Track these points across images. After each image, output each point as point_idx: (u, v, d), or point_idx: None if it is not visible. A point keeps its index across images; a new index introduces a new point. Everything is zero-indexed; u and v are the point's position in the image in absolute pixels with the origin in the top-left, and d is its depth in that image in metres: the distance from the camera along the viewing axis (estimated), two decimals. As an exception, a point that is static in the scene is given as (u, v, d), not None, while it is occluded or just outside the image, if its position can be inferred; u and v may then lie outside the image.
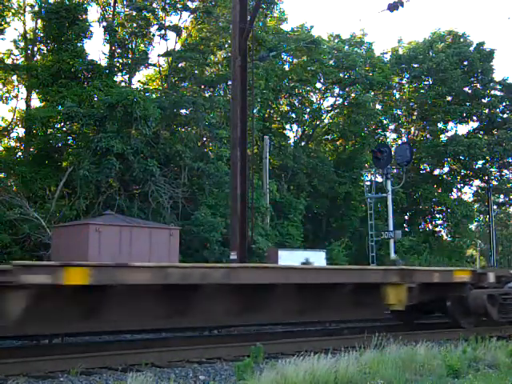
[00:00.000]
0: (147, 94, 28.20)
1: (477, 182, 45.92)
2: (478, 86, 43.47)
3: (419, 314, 13.57)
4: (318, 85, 39.33)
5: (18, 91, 29.87)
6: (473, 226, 47.66)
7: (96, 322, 9.75)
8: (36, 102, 28.65)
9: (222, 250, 25.13)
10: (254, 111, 29.27)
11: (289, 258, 24.20)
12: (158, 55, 32.43)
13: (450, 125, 44.27)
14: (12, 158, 27.62)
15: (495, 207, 47.28)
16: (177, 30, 30.68)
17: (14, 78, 29.47)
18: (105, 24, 29.05)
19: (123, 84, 29.72)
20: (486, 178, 44.39)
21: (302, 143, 39.65)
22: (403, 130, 45.65)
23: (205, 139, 30.44)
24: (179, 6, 30.54)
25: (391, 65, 41.88)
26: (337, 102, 40.11)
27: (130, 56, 29.98)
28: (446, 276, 12.22)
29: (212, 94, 32.60)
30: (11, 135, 29.38)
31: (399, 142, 43.78)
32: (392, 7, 20.00)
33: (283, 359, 8.09)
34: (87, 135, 25.62)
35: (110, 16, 30.11)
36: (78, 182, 23.96)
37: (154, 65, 32.07)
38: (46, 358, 8.30)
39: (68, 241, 18.66)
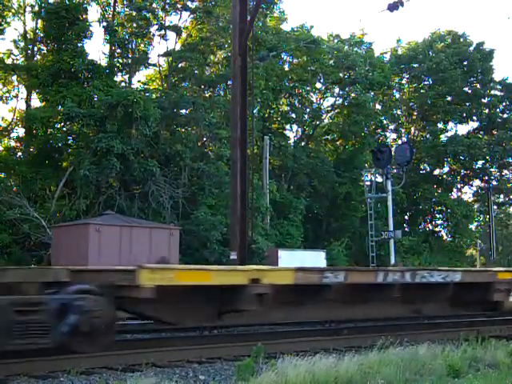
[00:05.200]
0: (147, 94, 28.21)
1: (477, 182, 46.01)
2: (478, 86, 43.51)
3: None
4: (318, 85, 39.39)
5: (18, 91, 29.96)
6: (473, 226, 47.65)
7: None
8: (36, 102, 28.73)
9: (221, 249, 25.14)
10: (254, 111, 29.28)
11: (289, 258, 24.22)
12: (158, 55, 32.52)
13: (450, 125, 44.40)
14: (12, 158, 27.65)
15: (495, 207, 47.25)
16: (177, 29, 30.70)
17: (14, 78, 29.51)
18: (105, 24, 29.06)
19: (123, 84, 29.74)
20: (486, 178, 44.41)
21: (302, 143, 39.65)
22: (403, 130, 45.67)
23: (205, 139, 30.45)
24: (179, 6, 30.55)
25: (391, 65, 41.90)
26: (337, 102, 40.13)
27: (130, 56, 29.99)
28: None
29: (212, 94, 32.61)
30: (11, 135, 29.45)
31: (399, 142, 43.79)
32: (392, 7, 19.98)
33: (283, 359, 8.08)
34: (87, 135, 25.63)
35: (110, 16, 30.11)
36: (78, 182, 23.97)
37: (154, 65, 32.13)
38: (46, 358, 8.29)
39: (68, 241, 18.67)
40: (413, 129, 45.10)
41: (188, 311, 9.98)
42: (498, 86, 43.78)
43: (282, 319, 11.90)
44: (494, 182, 44.92)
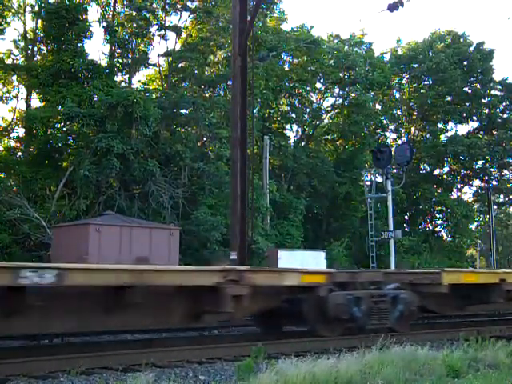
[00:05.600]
0: (147, 94, 28.20)
1: (477, 182, 45.97)
2: (478, 86, 43.49)
3: None
4: (318, 85, 39.36)
5: (18, 91, 29.95)
6: (473, 226, 47.62)
7: None
8: (36, 102, 28.71)
9: (221, 249, 25.13)
10: (254, 111, 29.26)
11: (289, 258, 24.17)
12: (158, 55, 32.50)
13: (450, 125, 44.36)
14: (12, 158, 27.63)
15: (495, 207, 47.23)
16: (177, 30, 30.69)
17: (14, 78, 29.50)
18: (105, 24, 29.06)
19: (123, 84, 29.73)
20: (486, 178, 44.39)
21: (302, 143, 39.63)
22: (403, 130, 45.65)
23: (205, 139, 30.44)
24: (179, 6, 30.54)
25: (391, 65, 41.88)
26: (337, 102, 40.10)
27: (130, 56, 29.98)
28: None
29: (212, 94, 32.60)
30: (11, 135, 29.43)
31: (399, 141, 43.76)
32: (392, 7, 19.96)
33: (283, 359, 8.08)
34: (87, 135, 25.62)
35: (110, 16, 30.11)
36: (78, 182, 23.96)
37: (154, 65, 32.12)
38: (45, 358, 8.29)
39: (68, 241, 18.67)
40: (413, 129, 45.08)
41: (442, 303, 12.75)
42: (498, 86, 43.75)
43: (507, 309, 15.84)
44: (494, 182, 44.89)
